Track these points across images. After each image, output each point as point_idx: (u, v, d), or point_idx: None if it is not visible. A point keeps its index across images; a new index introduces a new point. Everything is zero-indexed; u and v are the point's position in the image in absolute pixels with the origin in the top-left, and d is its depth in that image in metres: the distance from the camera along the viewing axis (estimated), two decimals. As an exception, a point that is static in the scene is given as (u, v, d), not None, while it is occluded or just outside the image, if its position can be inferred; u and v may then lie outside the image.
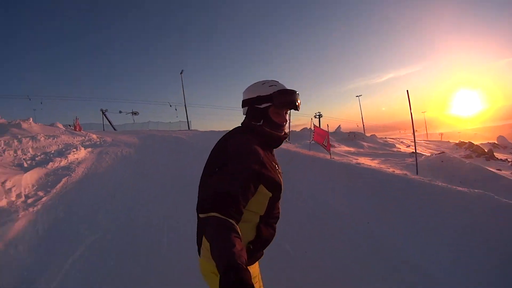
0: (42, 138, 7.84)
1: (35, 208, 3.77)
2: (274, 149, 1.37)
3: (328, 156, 6.50)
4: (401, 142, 17.84)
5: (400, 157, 9.59)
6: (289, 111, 1.40)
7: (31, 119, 9.90)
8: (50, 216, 3.66)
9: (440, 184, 4.13)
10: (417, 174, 5.96)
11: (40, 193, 4.32)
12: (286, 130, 1.38)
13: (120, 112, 22.15)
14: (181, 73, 21.16)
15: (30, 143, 7.35)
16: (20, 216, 3.46)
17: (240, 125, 1.35)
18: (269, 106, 1.26)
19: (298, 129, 16.69)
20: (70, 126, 12.38)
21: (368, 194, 4.07)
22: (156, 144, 8.13)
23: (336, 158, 6.89)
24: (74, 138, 8.50)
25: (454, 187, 3.93)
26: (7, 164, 5.42)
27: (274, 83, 1.30)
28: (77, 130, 11.42)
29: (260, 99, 1.27)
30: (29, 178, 4.86)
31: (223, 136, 1.30)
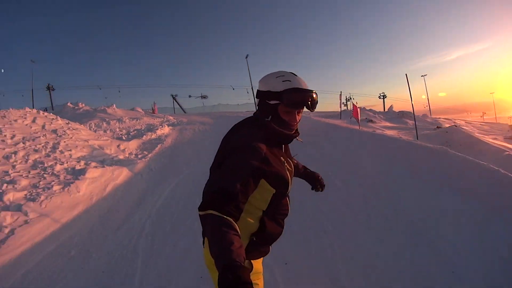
0: (127, 120, 9.39)
1: (146, 159, 5.05)
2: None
3: (357, 127, 8.05)
4: (454, 123, 15.94)
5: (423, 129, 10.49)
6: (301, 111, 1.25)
7: (114, 105, 11.80)
8: (157, 163, 4.99)
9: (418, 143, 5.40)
10: (417, 139, 7.41)
11: (145, 152, 5.50)
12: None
13: (190, 96, 22.75)
14: (246, 57, 21.20)
15: (117, 124, 8.89)
16: (138, 162, 4.76)
17: (252, 115, 1.29)
18: (279, 104, 1.14)
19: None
20: (148, 110, 14.21)
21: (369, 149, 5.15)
22: (227, 122, 9.03)
23: (365, 129, 8.25)
24: (154, 119, 9.96)
25: (430, 145, 4.77)
26: (109, 137, 6.75)
27: (289, 77, 1.16)
28: (155, 113, 13.21)
29: (270, 94, 1.15)
30: (131, 144, 6.05)
31: (231, 128, 1.26)
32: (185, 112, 20.36)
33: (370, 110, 15.85)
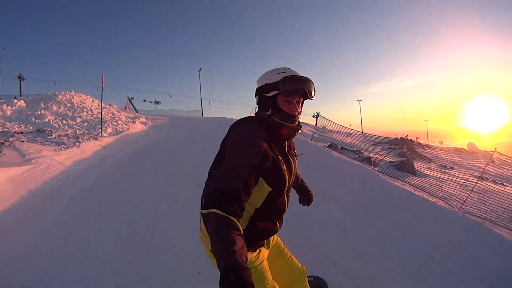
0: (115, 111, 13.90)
1: (147, 127, 10.00)
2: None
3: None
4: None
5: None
6: (302, 101, 1.22)
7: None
8: (153, 129, 9.89)
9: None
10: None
11: (144, 127, 10.48)
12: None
13: (144, 100, 25.13)
14: (199, 70, 24.84)
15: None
16: (145, 127, 9.67)
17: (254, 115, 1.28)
18: (277, 94, 1.15)
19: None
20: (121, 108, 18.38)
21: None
22: (180, 119, 14.34)
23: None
24: (128, 113, 14.55)
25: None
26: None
27: (284, 70, 1.18)
28: (127, 110, 17.78)
29: (267, 87, 1.17)
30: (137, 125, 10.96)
31: (233, 124, 1.25)
32: (138, 113, 23.72)
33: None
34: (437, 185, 6.20)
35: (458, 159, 11.71)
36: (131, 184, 4.38)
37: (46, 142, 6.29)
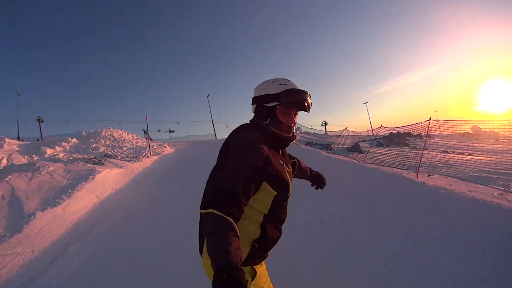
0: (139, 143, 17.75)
1: (173, 149, 13.75)
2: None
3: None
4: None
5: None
6: (298, 112, 1.29)
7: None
8: (179, 152, 13.63)
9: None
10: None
11: (175, 148, 14.22)
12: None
13: (159, 131, 27.64)
14: (207, 96, 27.45)
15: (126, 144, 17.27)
16: (174, 152, 13.44)
17: (249, 122, 1.33)
18: (277, 105, 1.21)
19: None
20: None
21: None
22: (196, 143, 18.09)
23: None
24: (155, 143, 18.37)
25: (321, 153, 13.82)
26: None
27: (284, 82, 1.24)
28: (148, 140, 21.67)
29: (268, 97, 1.22)
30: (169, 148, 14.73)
31: (231, 132, 1.30)
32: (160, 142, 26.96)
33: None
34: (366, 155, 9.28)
35: (456, 143, 11.95)
36: (179, 178, 7.91)
37: (119, 161, 9.92)
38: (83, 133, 16.51)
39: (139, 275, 2.81)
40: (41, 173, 6.00)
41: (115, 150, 13.40)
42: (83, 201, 5.07)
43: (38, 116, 23.07)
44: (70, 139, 15.03)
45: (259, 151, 1.11)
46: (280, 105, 1.21)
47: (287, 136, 1.26)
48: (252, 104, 1.30)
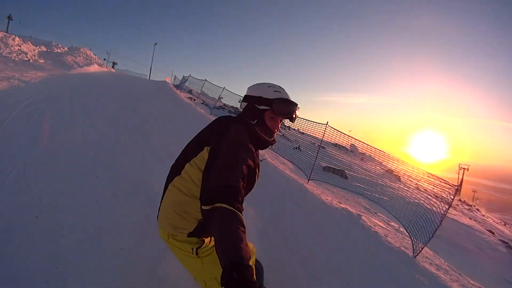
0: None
1: None
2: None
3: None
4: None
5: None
6: (283, 121, 1.38)
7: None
8: None
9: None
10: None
11: None
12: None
13: (105, 59, 31.15)
14: (155, 44, 31.38)
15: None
16: None
17: (236, 116, 1.35)
18: (267, 110, 1.28)
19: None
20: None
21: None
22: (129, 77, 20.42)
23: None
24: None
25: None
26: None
27: (279, 89, 1.31)
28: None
29: (261, 100, 1.28)
30: None
31: (216, 120, 1.34)
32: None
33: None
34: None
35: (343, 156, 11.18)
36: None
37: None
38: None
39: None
40: None
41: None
42: None
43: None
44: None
45: (252, 150, 1.17)
46: (270, 110, 1.28)
47: (269, 140, 1.31)
48: (243, 101, 1.35)
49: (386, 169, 7.40)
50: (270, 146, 1.34)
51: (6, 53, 13.18)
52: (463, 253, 7.32)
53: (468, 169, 34.32)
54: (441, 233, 5.83)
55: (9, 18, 24.49)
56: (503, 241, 10.79)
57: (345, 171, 8.70)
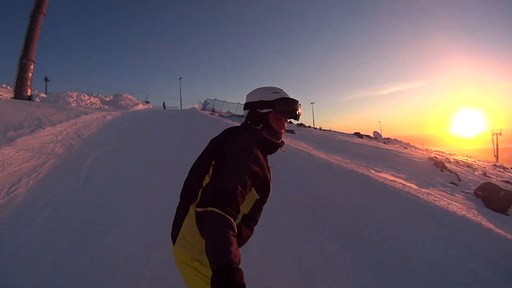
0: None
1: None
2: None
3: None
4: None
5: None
6: (288, 120, 1.36)
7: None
8: None
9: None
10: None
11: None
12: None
13: (147, 102, 35.25)
14: (180, 78, 34.46)
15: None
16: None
17: (240, 125, 1.35)
18: (270, 112, 1.27)
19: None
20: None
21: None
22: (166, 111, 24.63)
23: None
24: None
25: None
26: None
27: (278, 90, 1.31)
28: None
29: (262, 103, 1.27)
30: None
31: (224, 131, 1.31)
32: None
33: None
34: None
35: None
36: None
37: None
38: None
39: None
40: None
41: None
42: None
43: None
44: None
45: (257, 156, 1.14)
46: (273, 112, 1.27)
47: (277, 142, 1.29)
48: (245, 109, 1.35)
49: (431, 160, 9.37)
50: (280, 148, 1.32)
51: (84, 105, 18.57)
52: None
53: (500, 133, 34.32)
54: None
55: (46, 79, 28.45)
56: None
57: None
